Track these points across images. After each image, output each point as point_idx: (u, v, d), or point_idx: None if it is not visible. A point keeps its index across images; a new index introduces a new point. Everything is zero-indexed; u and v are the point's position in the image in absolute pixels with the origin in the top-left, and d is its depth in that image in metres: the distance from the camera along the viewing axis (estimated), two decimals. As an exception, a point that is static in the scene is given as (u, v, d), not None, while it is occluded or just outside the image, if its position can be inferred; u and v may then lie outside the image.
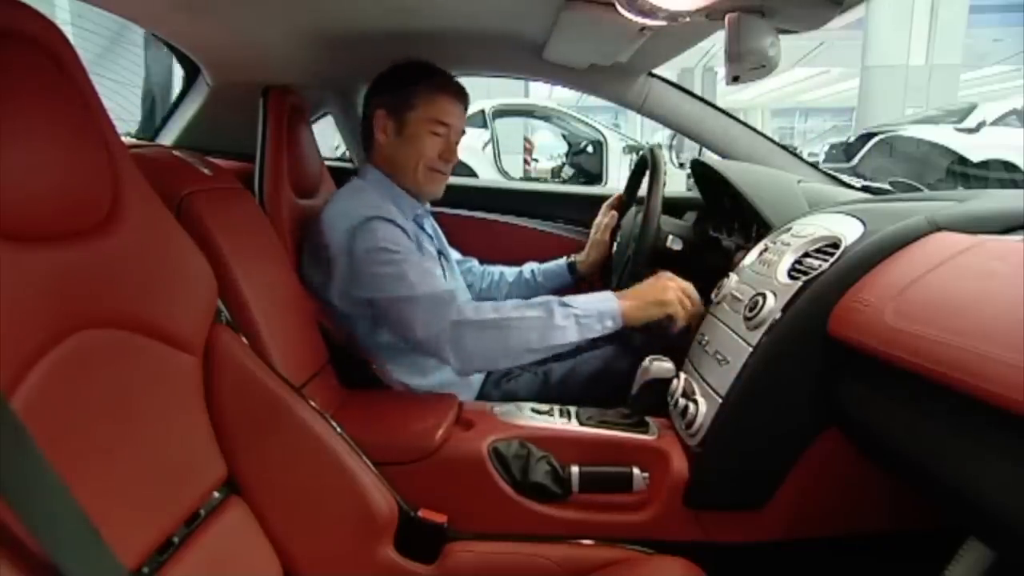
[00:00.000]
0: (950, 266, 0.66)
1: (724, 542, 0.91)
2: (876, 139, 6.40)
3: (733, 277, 1.06)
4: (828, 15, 0.82)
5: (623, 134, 6.60)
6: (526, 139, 7.79)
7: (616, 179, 5.69)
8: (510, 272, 1.46)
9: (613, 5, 0.89)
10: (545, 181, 6.59)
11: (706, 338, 1.03)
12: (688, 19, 0.86)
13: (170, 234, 0.69)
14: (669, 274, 1.06)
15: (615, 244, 1.43)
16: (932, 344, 0.58)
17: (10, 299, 0.48)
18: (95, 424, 0.55)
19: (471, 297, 1.39)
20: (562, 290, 1.43)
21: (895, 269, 0.73)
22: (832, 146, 7.14)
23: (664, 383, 0.99)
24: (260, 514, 0.75)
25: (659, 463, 0.91)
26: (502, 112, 6.09)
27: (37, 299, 0.51)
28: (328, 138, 2.17)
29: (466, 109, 1.22)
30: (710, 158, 1.45)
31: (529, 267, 1.46)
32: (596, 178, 6.01)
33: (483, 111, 5.82)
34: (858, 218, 0.89)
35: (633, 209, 1.41)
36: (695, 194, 1.60)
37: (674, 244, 1.31)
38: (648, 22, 0.92)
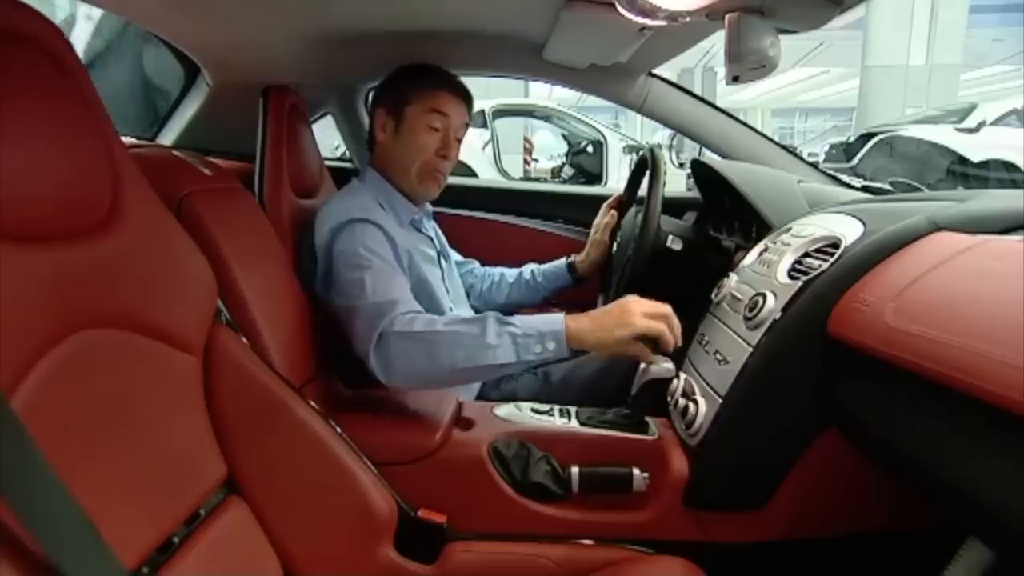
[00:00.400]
0: (950, 266, 0.67)
1: (724, 542, 0.91)
2: (876, 139, 6.41)
3: (733, 277, 1.06)
4: (828, 15, 0.82)
5: (623, 134, 6.60)
6: (526, 139, 7.79)
7: (616, 179, 5.69)
8: (510, 273, 1.46)
9: (613, 5, 0.89)
10: (545, 181, 6.59)
11: (706, 338, 1.03)
12: (688, 19, 0.86)
13: (170, 234, 0.69)
14: (634, 296, 0.91)
15: (615, 244, 1.43)
16: (932, 344, 0.58)
17: (10, 299, 0.48)
18: (95, 424, 0.55)
19: (469, 299, 1.39)
20: (562, 290, 1.45)
21: (895, 269, 0.73)
22: (832, 146, 7.15)
23: (664, 383, 0.99)
24: (260, 514, 0.75)
25: (659, 463, 0.91)
26: (502, 112, 6.09)
27: (37, 299, 0.51)
28: (328, 138, 2.16)
29: (468, 106, 1.20)
30: (710, 158, 1.45)
31: (529, 268, 1.46)
32: (596, 178, 6.01)
33: (483, 111, 5.82)
34: (858, 218, 0.89)
35: (633, 209, 1.41)
36: (695, 194, 1.60)
37: (674, 244, 1.30)
38: (648, 22, 0.92)
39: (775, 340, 0.83)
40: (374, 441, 0.86)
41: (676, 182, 2.12)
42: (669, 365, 0.93)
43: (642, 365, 0.94)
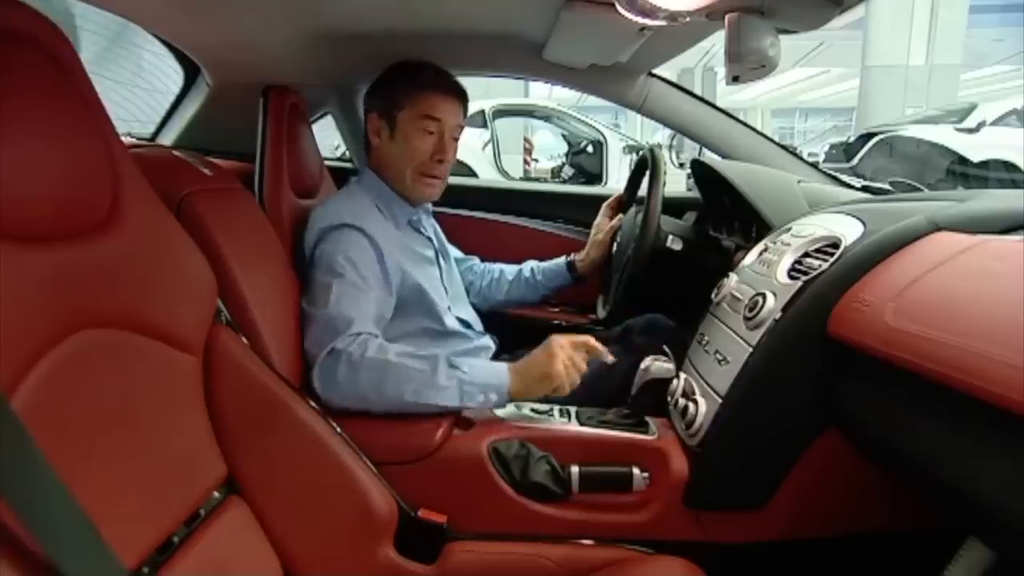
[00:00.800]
0: (950, 266, 0.67)
1: (724, 542, 0.91)
2: (876, 139, 6.41)
3: (733, 277, 1.06)
4: (828, 15, 0.82)
5: (623, 134, 6.60)
6: (526, 139, 7.79)
7: (616, 179, 5.69)
8: (510, 270, 1.46)
9: (613, 5, 0.89)
10: (545, 181, 6.59)
11: (706, 338, 1.03)
12: (688, 19, 0.86)
13: (170, 234, 0.69)
14: (561, 340, 0.94)
15: (615, 244, 1.43)
16: (932, 344, 0.58)
17: (10, 299, 0.48)
18: (95, 424, 0.55)
19: (469, 296, 1.39)
20: (561, 289, 1.45)
21: (895, 269, 0.74)
22: (832, 146, 7.15)
23: (664, 383, 0.99)
24: (260, 514, 0.75)
25: (659, 463, 0.91)
26: (502, 112, 6.09)
27: (37, 299, 0.51)
28: (328, 138, 2.17)
29: (463, 105, 1.18)
30: (710, 158, 1.45)
31: (529, 265, 1.46)
32: (596, 178, 6.01)
33: (483, 111, 5.82)
34: (858, 218, 0.89)
35: (633, 209, 1.41)
36: (695, 194, 1.60)
37: (674, 244, 1.31)
38: (648, 22, 0.92)
39: (775, 340, 0.83)
40: (374, 441, 0.86)
41: (676, 182, 2.12)
42: (669, 365, 0.93)
43: (642, 365, 0.94)
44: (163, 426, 0.64)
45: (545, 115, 6.72)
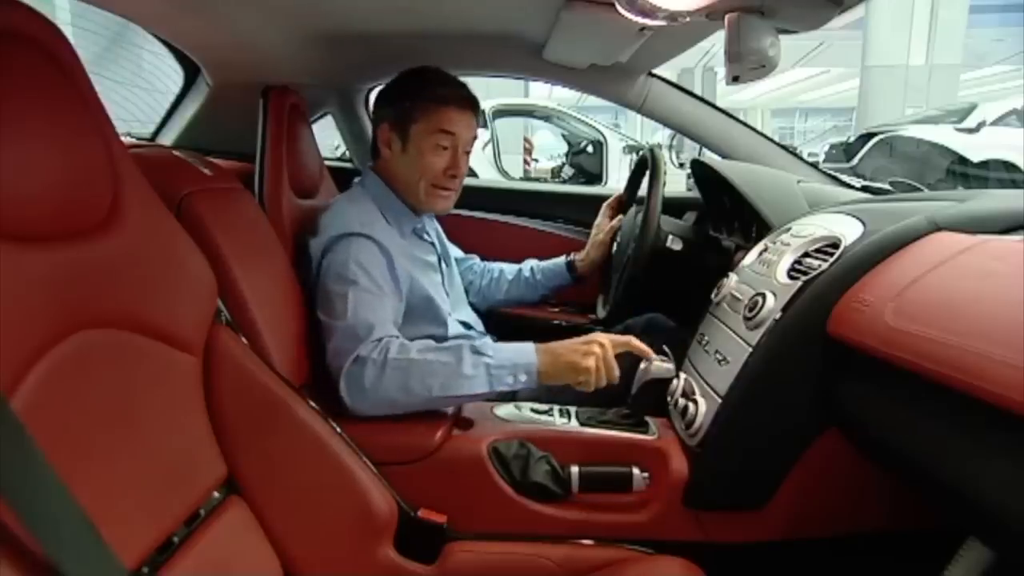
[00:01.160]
0: (950, 266, 0.67)
1: (724, 542, 0.91)
2: (876, 139, 6.41)
3: (733, 277, 1.06)
4: (828, 15, 0.82)
5: (623, 134, 6.59)
6: (526, 139, 7.78)
7: (616, 179, 5.68)
8: (510, 270, 1.45)
9: (613, 5, 0.89)
10: (545, 181, 6.59)
11: (706, 338, 1.03)
12: (688, 19, 0.86)
13: (170, 234, 0.69)
14: (604, 338, 0.92)
15: (615, 244, 1.43)
16: (932, 344, 0.58)
17: (10, 299, 0.48)
18: (95, 424, 0.55)
19: (468, 295, 1.39)
20: (561, 288, 1.45)
21: (895, 269, 0.74)
22: (832, 146, 7.16)
23: (664, 383, 0.99)
24: (260, 514, 0.75)
25: (659, 463, 0.91)
26: (502, 112, 6.08)
27: (37, 299, 0.51)
28: (328, 138, 2.17)
29: (476, 116, 1.16)
30: (710, 158, 1.45)
31: (529, 265, 1.46)
32: (596, 178, 6.01)
33: (483, 111, 5.82)
34: (858, 218, 0.89)
35: (633, 209, 1.41)
36: (695, 194, 1.60)
37: (674, 244, 1.31)
38: (648, 22, 0.92)
39: (775, 340, 0.83)
40: (374, 441, 0.86)
41: (676, 182, 2.12)
42: (669, 365, 0.93)
43: (642, 365, 0.94)
44: (163, 426, 0.64)
45: (545, 115, 6.71)
